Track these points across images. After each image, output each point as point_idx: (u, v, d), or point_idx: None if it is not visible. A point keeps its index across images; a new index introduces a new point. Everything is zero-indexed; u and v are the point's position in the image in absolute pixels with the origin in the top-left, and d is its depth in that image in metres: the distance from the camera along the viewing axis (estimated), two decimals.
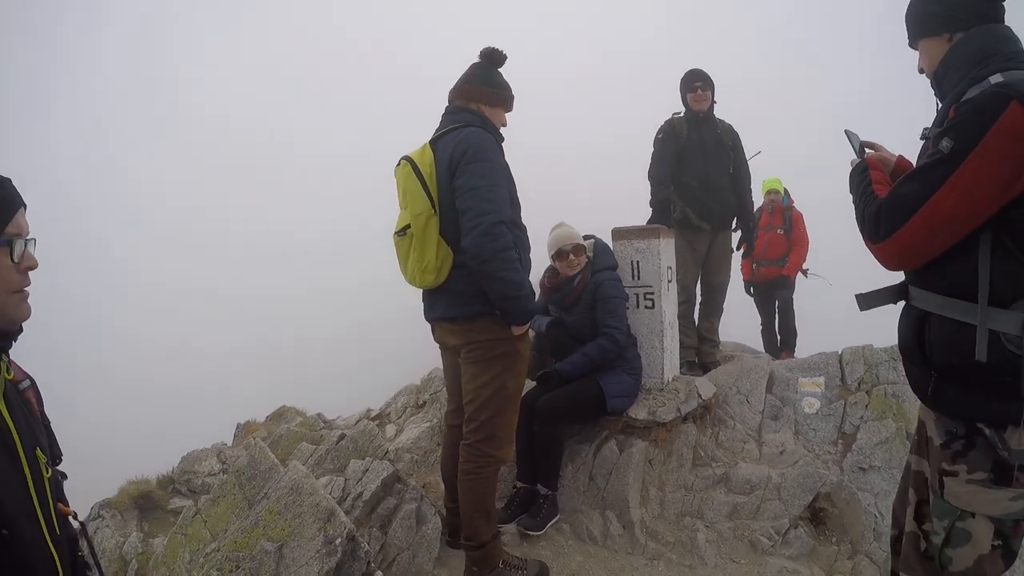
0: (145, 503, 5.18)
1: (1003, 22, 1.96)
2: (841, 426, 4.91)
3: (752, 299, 7.86)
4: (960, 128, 1.73)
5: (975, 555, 1.89)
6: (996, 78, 1.75)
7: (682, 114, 5.45)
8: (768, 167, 7.01)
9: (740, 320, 7.68)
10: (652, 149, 5.45)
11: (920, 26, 2.08)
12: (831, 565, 3.95)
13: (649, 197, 5.44)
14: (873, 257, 1.99)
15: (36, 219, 1.49)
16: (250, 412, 6.93)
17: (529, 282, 3.07)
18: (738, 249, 5.77)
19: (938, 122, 1.93)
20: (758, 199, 7.49)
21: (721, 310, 5.82)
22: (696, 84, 5.31)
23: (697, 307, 5.85)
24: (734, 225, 5.67)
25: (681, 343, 5.43)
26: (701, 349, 5.75)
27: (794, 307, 7.70)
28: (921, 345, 1.96)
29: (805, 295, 7.82)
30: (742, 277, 7.62)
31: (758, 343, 7.60)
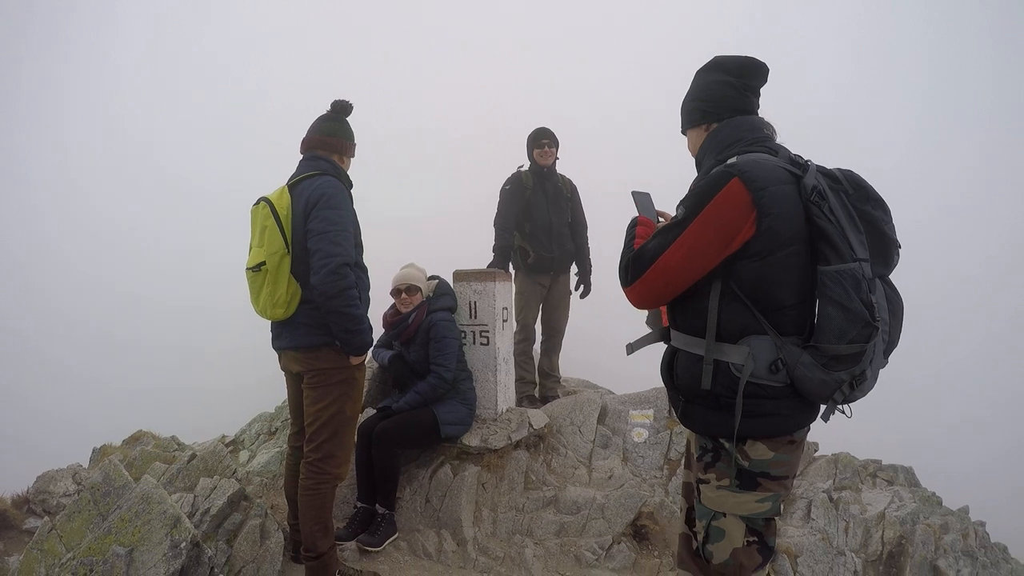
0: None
1: (755, 113, 2.29)
2: (667, 453, 5.41)
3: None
4: (692, 198, 2.06)
5: (730, 548, 2.18)
6: (732, 160, 2.06)
7: (527, 167, 5.91)
8: None
9: (586, 357, 8.01)
10: (498, 199, 5.86)
11: (687, 118, 2.41)
12: None
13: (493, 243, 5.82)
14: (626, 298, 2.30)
15: None
16: (107, 437, 6.88)
17: (367, 318, 3.42)
18: (576, 289, 6.21)
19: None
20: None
21: (560, 347, 6.25)
22: (543, 141, 5.80)
23: (537, 345, 6.26)
24: (573, 269, 6.16)
25: (521, 378, 5.87)
26: (544, 384, 6.18)
27: None
28: (672, 374, 2.30)
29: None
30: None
31: (601, 380, 7.77)
